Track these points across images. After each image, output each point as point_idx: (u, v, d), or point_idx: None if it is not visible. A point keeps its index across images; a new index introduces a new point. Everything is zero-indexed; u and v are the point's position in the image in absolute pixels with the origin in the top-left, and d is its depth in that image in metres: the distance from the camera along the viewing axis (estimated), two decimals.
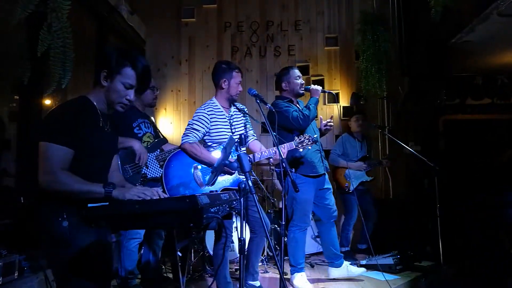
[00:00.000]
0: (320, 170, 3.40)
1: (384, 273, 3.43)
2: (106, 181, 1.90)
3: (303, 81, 3.51)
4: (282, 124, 3.24)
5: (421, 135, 5.11)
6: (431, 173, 3.83)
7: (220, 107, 2.98)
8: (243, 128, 3.06)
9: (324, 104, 5.48)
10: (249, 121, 3.16)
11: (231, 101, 3.01)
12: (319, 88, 3.39)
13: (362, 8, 5.43)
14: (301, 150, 3.02)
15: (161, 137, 3.42)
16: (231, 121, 2.98)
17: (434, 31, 4.41)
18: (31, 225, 1.67)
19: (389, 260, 3.78)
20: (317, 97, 3.38)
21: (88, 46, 4.40)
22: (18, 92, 3.25)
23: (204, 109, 2.91)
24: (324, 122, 3.42)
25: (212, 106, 2.96)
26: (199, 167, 2.86)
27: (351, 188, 4.29)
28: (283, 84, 3.48)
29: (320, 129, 3.48)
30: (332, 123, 3.42)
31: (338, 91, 5.42)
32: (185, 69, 5.69)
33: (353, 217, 4.41)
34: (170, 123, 5.53)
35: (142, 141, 3.15)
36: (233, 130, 2.95)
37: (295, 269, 3.40)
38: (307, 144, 2.93)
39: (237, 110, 3.07)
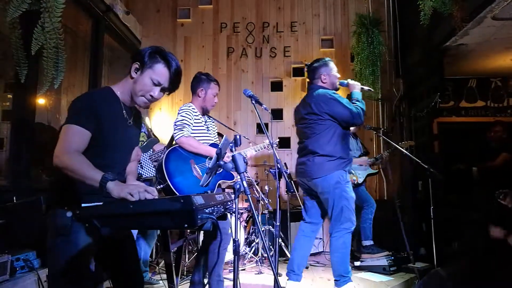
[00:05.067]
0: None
1: (378, 274, 3.42)
2: (123, 174, 1.90)
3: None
4: (337, 115, 3.08)
5: (416, 137, 5.13)
6: (425, 175, 3.85)
7: (197, 110, 3.05)
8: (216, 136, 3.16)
9: None
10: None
11: (204, 111, 3.07)
12: (358, 83, 3.26)
13: (358, 11, 5.48)
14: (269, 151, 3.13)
15: (153, 137, 3.52)
16: (207, 125, 3.08)
17: (428, 34, 4.44)
18: (24, 224, 1.65)
19: (383, 262, 3.80)
20: (359, 91, 3.19)
21: (83, 46, 4.39)
22: (12, 91, 3.23)
23: (188, 107, 2.99)
24: None
25: (191, 107, 3.03)
26: (195, 162, 2.89)
27: (360, 181, 4.31)
28: (323, 76, 3.26)
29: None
30: None
31: None
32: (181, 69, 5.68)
33: (373, 204, 4.27)
34: (164, 123, 5.51)
35: None
36: (210, 134, 3.08)
37: (345, 279, 2.93)
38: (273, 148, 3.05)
39: (211, 120, 3.17)
